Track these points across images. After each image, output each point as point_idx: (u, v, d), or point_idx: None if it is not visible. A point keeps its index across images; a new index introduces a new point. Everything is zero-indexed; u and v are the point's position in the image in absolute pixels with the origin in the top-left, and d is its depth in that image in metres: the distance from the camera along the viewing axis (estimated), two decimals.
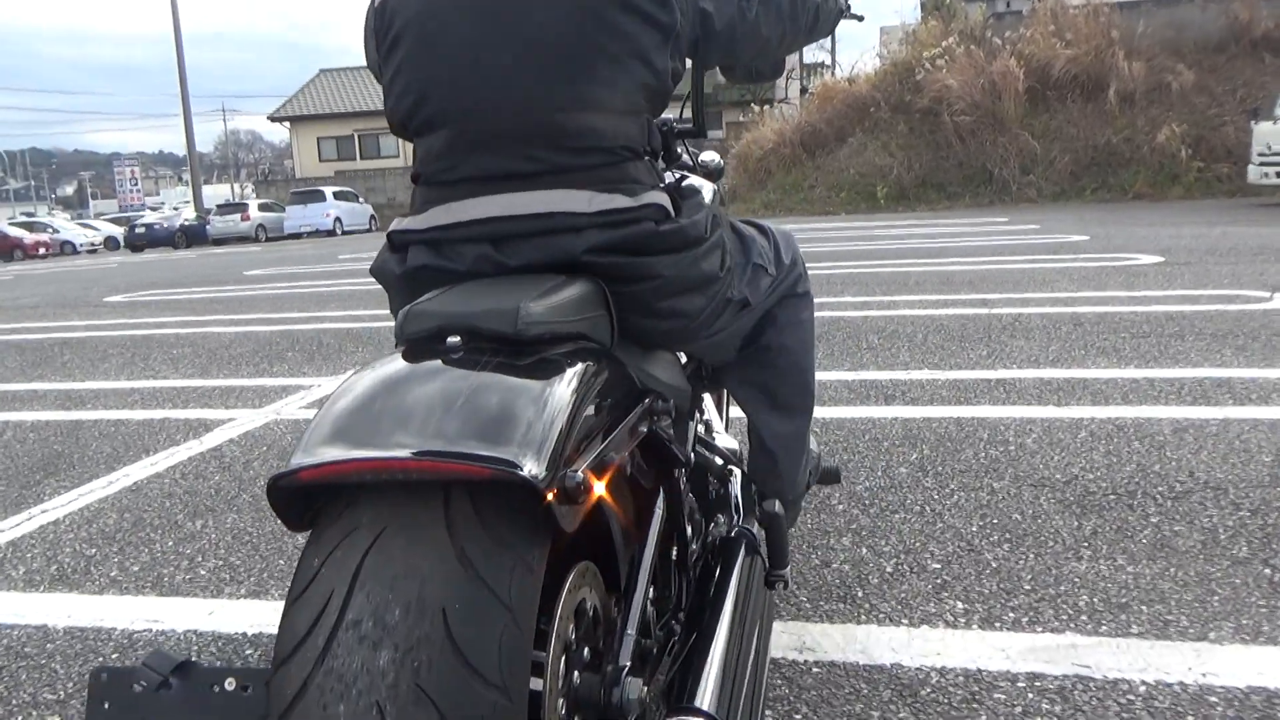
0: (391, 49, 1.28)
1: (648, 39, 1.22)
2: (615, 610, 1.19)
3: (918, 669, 1.76)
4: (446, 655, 0.81)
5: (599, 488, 0.95)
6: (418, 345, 1.05)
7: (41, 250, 28.27)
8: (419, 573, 0.85)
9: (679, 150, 2.13)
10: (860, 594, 2.07)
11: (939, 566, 2.19)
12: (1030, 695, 1.65)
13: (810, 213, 18.86)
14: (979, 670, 1.74)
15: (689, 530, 1.46)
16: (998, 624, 1.91)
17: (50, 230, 30.90)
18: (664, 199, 1.27)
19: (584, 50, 1.19)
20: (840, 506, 2.60)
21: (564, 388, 0.98)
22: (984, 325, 5.17)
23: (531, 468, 0.87)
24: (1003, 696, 1.65)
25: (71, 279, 14.95)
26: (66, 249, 29.46)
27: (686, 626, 1.20)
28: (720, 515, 1.59)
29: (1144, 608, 1.94)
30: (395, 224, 1.31)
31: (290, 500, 0.92)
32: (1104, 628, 1.87)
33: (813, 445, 2.03)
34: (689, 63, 1.45)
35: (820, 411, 3.52)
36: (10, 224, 31.73)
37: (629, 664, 1.10)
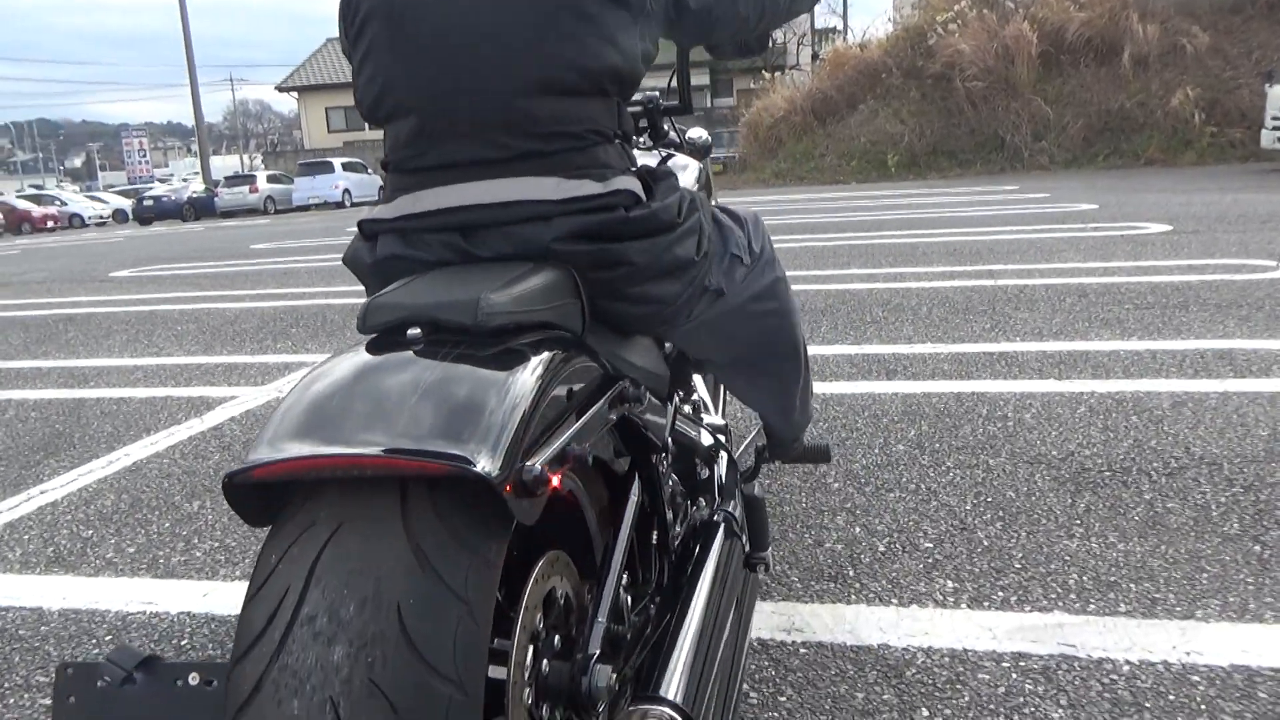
0: (359, 34, 1.26)
1: (614, 20, 1.20)
2: (589, 597, 1.19)
3: (904, 649, 1.76)
4: (401, 650, 0.82)
5: (562, 479, 0.94)
6: (379, 338, 1.04)
7: (50, 223, 28.28)
8: (374, 568, 0.85)
9: (666, 128, 2.11)
10: (851, 573, 2.07)
11: (931, 545, 2.19)
12: (1014, 675, 1.65)
13: (821, 181, 18.73)
14: (965, 650, 1.74)
15: (670, 514, 1.46)
16: (986, 603, 1.91)
17: (58, 203, 30.93)
18: (634, 184, 1.26)
19: (549, 34, 1.17)
20: (836, 485, 2.59)
21: (525, 378, 0.97)
22: (989, 297, 5.13)
23: (486, 463, 0.87)
24: (986, 677, 1.65)
25: (78, 253, 14.99)
26: (75, 222, 29.48)
27: (659, 612, 1.20)
28: (703, 498, 1.58)
29: (1132, 585, 1.93)
30: (366, 212, 1.30)
31: (248, 496, 0.92)
32: (1092, 606, 1.87)
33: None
34: (665, 43, 1.43)
35: (821, 387, 3.52)
36: (18, 197, 31.77)
37: (598, 651, 1.10)
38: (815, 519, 2.37)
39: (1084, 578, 1.99)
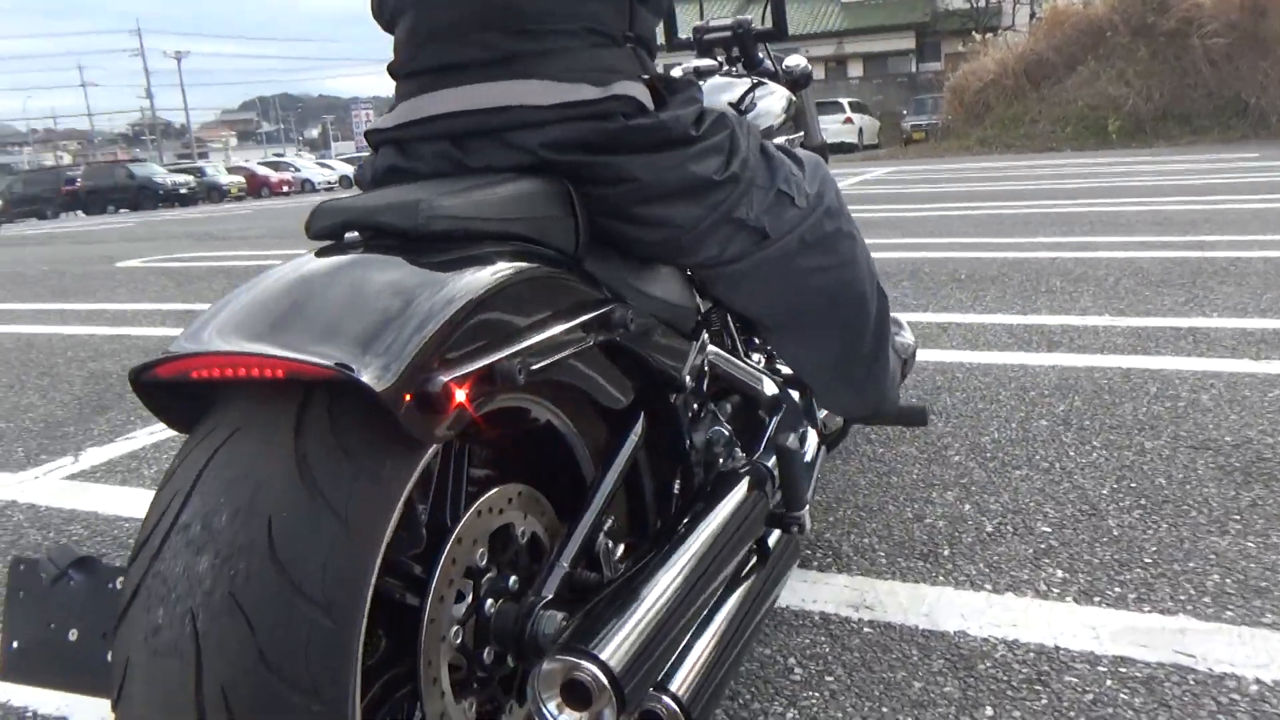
0: None
1: None
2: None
3: (984, 640, 1.55)
4: (265, 565, 0.75)
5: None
6: (324, 245, 0.98)
7: (284, 188, 30.94)
8: (255, 477, 0.79)
9: (760, 55, 1.95)
10: (946, 553, 1.86)
11: (1048, 530, 1.93)
12: (1109, 682, 1.42)
13: (1031, 149, 17.50)
14: (1056, 648, 1.52)
15: (694, 461, 1.33)
16: (1097, 598, 1.66)
17: (293, 169, 33.71)
18: (639, 90, 1.13)
19: None
20: (956, 458, 2.35)
21: (454, 286, 0.88)
22: (1191, 270, 4.57)
23: (374, 370, 0.78)
24: (1074, 680, 1.43)
25: (298, 212, 16.21)
26: (306, 187, 32.01)
27: (640, 565, 1.08)
28: (737, 449, 1.44)
29: None
30: (371, 122, 1.24)
31: (165, 397, 0.88)
32: (1229, 613, 1.59)
33: (898, 348, 1.83)
34: None
35: (966, 356, 3.24)
36: (260, 164, 34.93)
37: (550, 597, 1.00)
38: (922, 492, 2.16)
39: (1227, 580, 1.69)
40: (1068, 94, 18.40)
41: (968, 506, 2.07)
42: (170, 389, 0.87)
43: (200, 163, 39.41)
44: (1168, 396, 2.72)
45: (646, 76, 1.17)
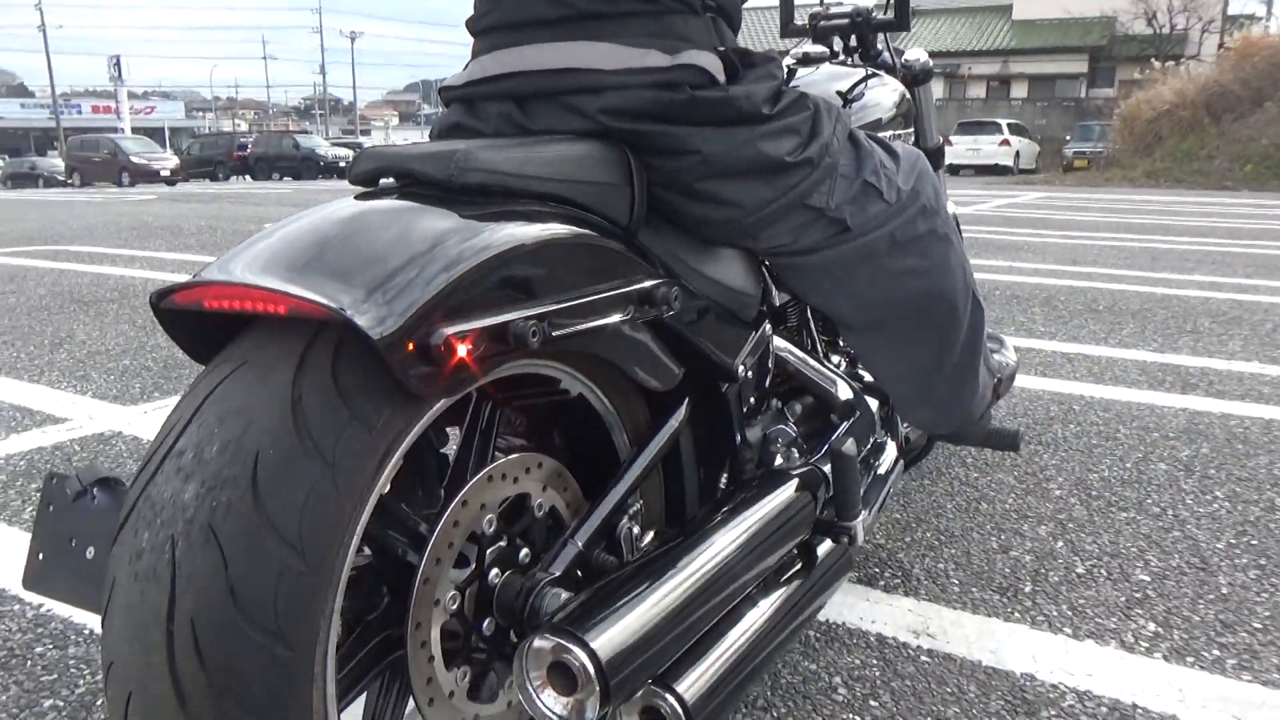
0: None
1: None
2: None
3: (1053, 686, 1.43)
4: (245, 500, 0.74)
5: (472, 354, 0.81)
6: (364, 190, 0.97)
7: None
8: (250, 411, 0.78)
9: (879, 46, 1.86)
10: (1028, 589, 1.73)
11: (1147, 579, 1.77)
12: None
13: (1203, 186, 16.41)
14: (1133, 705, 1.38)
15: (745, 455, 1.27)
16: (1191, 659, 1.50)
17: None
18: (710, 61, 1.07)
19: None
20: (1057, 493, 2.19)
21: (475, 239, 0.85)
22: None
23: (375, 315, 0.76)
24: None
25: None
26: None
27: (655, 552, 1.03)
28: (796, 451, 1.37)
29: None
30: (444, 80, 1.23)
31: (187, 326, 0.88)
32: None
33: (993, 366, 1.72)
34: None
35: (1088, 389, 3.03)
36: None
37: (558, 574, 0.96)
38: (1013, 523, 2.02)
39: None
40: (1251, 130, 17.17)
41: (1060, 544, 1.92)
42: (193, 318, 0.87)
43: (361, 139, 41.29)
44: None
45: (722, 49, 1.12)
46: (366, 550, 0.93)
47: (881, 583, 1.75)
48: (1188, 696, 1.40)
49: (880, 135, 1.46)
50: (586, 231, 0.98)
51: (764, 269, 1.40)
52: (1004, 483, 2.25)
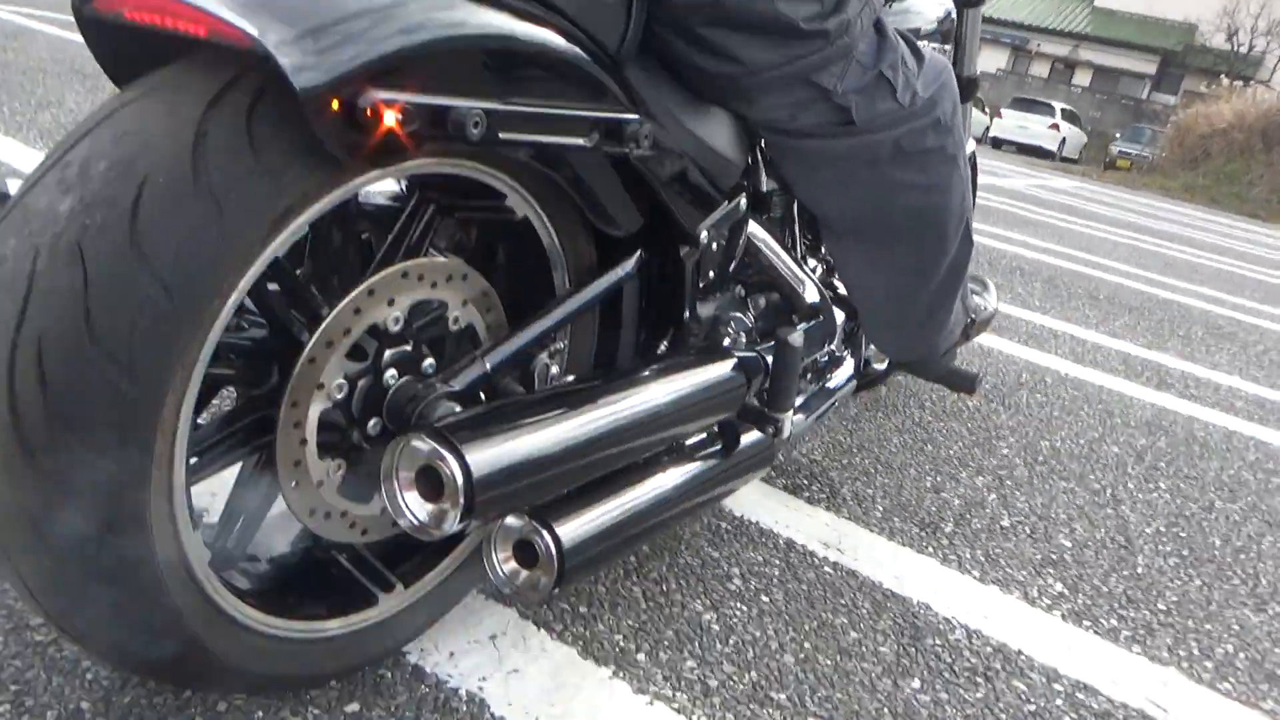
0: None
1: None
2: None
3: (945, 619, 1.42)
4: (121, 225, 0.70)
5: (403, 124, 0.76)
6: None
7: None
8: (148, 136, 0.73)
9: None
10: (949, 529, 1.72)
11: (1068, 545, 1.76)
12: (1059, 702, 1.28)
13: (1238, 211, 16.17)
14: (1019, 651, 1.38)
15: (688, 327, 1.23)
16: (1088, 623, 1.50)
17: None
18: None
19: None
20: (1005, 451, 2.17)
21: (445, 15, 0.79)
22: None
23: (304, 60, 0.70)
24: (1022, 687, 1.29)
25: None
26: None
27: (564, 389, 1.00)
28: (744, 337, 1.33)
29: None
30: None
31: (111, 44, 0.83)
32: (1225, 685, 1.41)
33: (970, 306, 1.68)
34: None
35: (1065, 366, 3.00)
36: None
37: (457, 389, 0.93)
38: (952, 468, 2.00)
39: (1241, 654, 1.50)
40: None
41: (993, 496, 1.91)
42: (117, 34, 0.81)
43: None
44: (1264, 469, 2.45)
45: None
46: (259, 323, 0.89)
47: (806, 494, 1.74)
48: (1074, 654, 1.40)
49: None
50: (565, 44, 0.91)
51: (759, 151, 1.35)
52: (956, 431, 2.23)
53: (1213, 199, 17.08)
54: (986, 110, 22.04)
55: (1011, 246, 5.46)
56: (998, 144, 21.79)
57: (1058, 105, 23.61)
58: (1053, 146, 22.38)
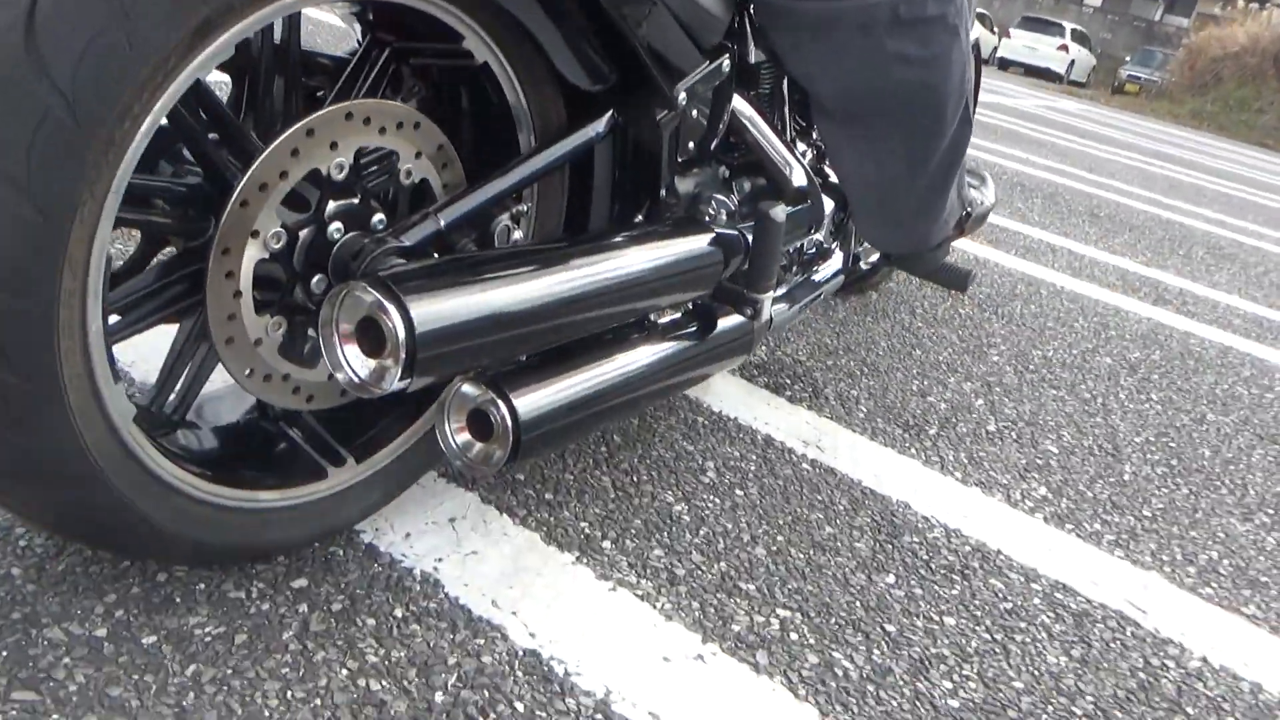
0: None
1: None
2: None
3: (924, 518, 1.38)
4: (16, 26, 0.61)
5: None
6: None
7: None
8: None
9: None
10: (933, 432, 1.67)
11: (1054, 451, 1.72)
12: (1037, 600, 1.24)
13: (1245, 139, 15.90)
14: (998, 551, 1.34)
15: (662, 199, 1.15)
16: (1070, 526, 1.46)
17: None
18: None
19: None
20: (995, 358, 2.12)
21: None
22: None
23: None
24: (999, 585, 1.26)
25: None
26: None
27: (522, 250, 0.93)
28: (725, 213, 1.25)
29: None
30: None
31: None
32: (1207, 590, 1.38)
33: (967, 199, 1.61)
34: None
35: (1062, 279, 2.94)
36: None
37: (408, 245, 0.86)
38: (940, 374, 1.95)
39: (1225, 561, 1.47)
40: None
41: (980, 402, 1.86)
42: None
43: None
44: (1259, 384, 2.41)
45: None
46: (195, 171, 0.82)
47: (788, 393, 1.68)
48: (1054, 555, 1.37)
49: None
50: None
51: (747, 17, 1.26)
52: (946, 338, 2.17)
53: (1220, 126, 16.79)
54: (995, 30, 21.50)
55: (1013, 163, 5.33)
56: (1004, 65, 21.28)
57: (1068, 25, 22.99)
58: (1061, 69, 21.86)
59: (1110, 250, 3.62)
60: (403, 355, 0.74)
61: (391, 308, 0.74)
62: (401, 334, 0.74)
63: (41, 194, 0.63)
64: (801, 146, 1.56)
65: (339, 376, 0.76)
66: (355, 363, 0.76)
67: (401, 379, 0.75)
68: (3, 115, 0.62)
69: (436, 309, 0.77)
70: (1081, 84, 22.61)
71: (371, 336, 0.76)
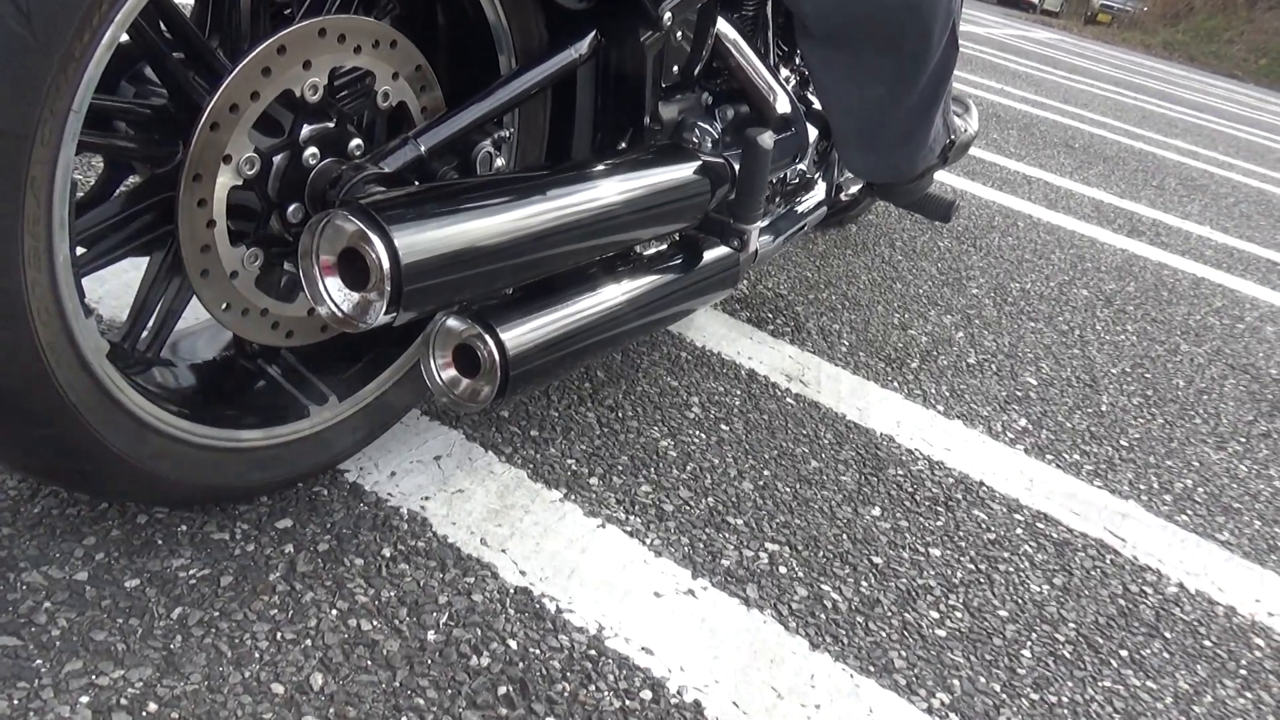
0: None
1: None
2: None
3: (908, 451, 1.38)
4: None
5: None
6: None
7: None
8: None
9: None
10: (915, 365, 1.67)
11: (1034, 383, 1.73)
12: (1019, 531, 1.25)
13: (1215, 70, 15.93)
14: (980, 483, 1.35)
15: (645, 123, 1.12)
16: (1050, 457, 1.47)
17: None
18: None
19: None
20: (974, 291, 2.12)
21: None
22: None
23: None
24: (983, 516, 1.27)
25: None
26: None
27: (507, 177, 0.89)
28: (709, 143, 1.22)
29: (1258, 524, 1.43)
30: None
31: None
32: (1183, 518, 1.40)
33: (951, 126, 1.59)
34: None
35: (1038, 211, 2.93)
36: None
37: (387, 171, 0.82)
38: (920, 307, 1.94)
39: (1200, 489, 1.49)
40: (1278, 24, 16.50)
41: (960, 335, 1.86)
42: None
43: None
44: (1230, 315, 2.43)
45: None
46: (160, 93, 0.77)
47: (771, 327, 1.67)
48: (1035, 486, 1.38)
49: None
50: None
51: None
52: (925, 271, 2.16)
53: (1191, 57, 16.80)
54: None
55: (988, 94, 5.29)
56: None
57: None
58: None
59: (1085, 182, 3.62)
60: (388, 287, 0.71)
61: (375, 237, 0.71)
62: (386, 265, 0.71)
63: (6, 120, 0.59)
64: (785, 72, 1.53)
65: (320, 310, 0.73)
66: (338, 296, 0.73)
67: (387, 312, 0.72)
68: None
69: (423, 239, 0.73)
70: (1054, 13, 22.40)
71: (355, 268, 0.73)
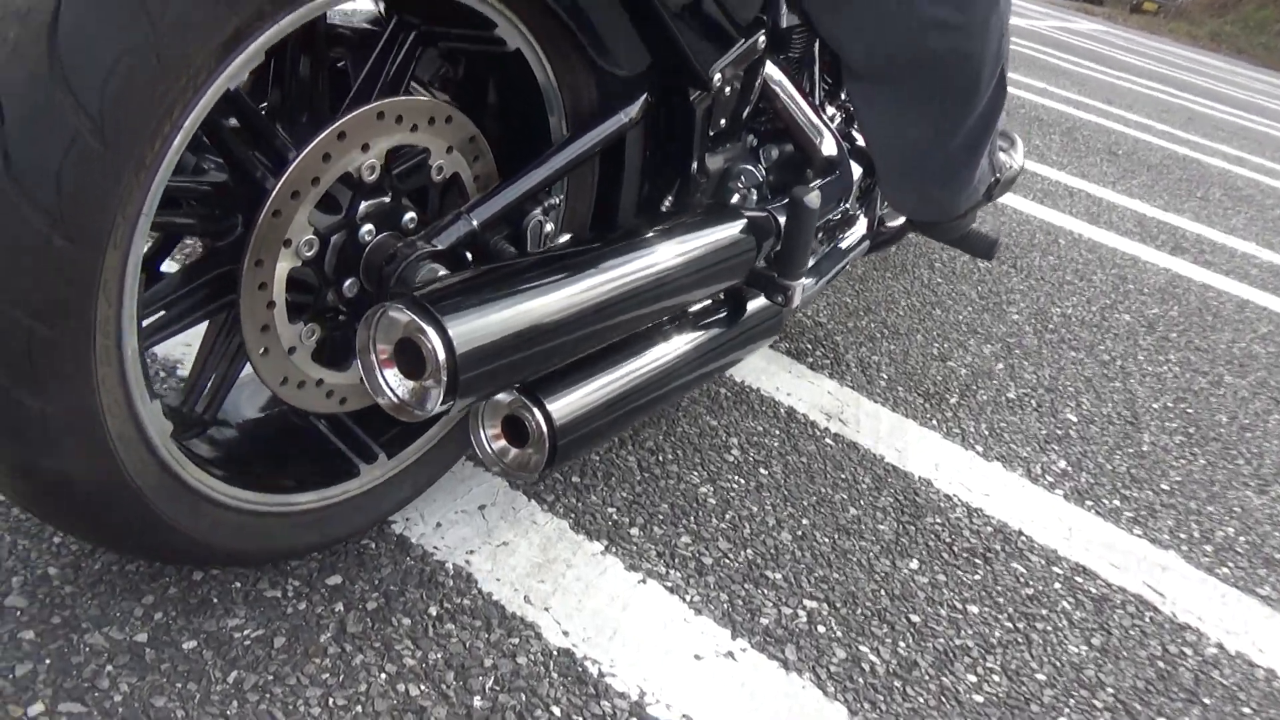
0: None
1: None
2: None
3: (947, 496, 1.38)
4: (39, 45, 0.58)
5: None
6: None
7: None
8: None
9: None
10: (954, 401, 1.67)
11: (1074, 420, 1.71)
12: (1058, 585, 1.25)
13: (1265, 63, 15.58)
14: (1019, 532, 1.34)
15: (693, 179, 1.12)
16: (1089, 503, 1.47)
17: None
18: None
19: None
20: (1014, 317, 2.10)
21: None
22: None
23: None
24: (1021, 570, 1.26)
25: None
26: None
27: (557, 251, 0.90)
28: (755, 193, 1.22)
29: None
30: None
31: None
32: (1224, 570, 1.39)
33: (997, 164, 1.58)
34: None
35: (1079, 226, 2.89)
36: None
37: (441, 249, 0.83)
38: (960, 335, 1.93)
39: (1242, 538, 1.48)
40: None
41: (1000, 366, 1.85)
42: None
43: None
44: (1275, 342, 2.40)
45: None
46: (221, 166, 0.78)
47: (810, 360, 1.67)
48: (1074, 535, 1.37)
49: None
50: None
51: None
52: (965, 295, 2.15)
53: (1239, 49, 16.43)
54: None
55: (1030, 95, 5.22)
56: None
57: None
58: None
59: (1128, 193, 3.56)
60: (444, 377, 0.73)
61: (430, 329, 0.72)
62: (442, 355, 0.72)
63: (75, 222, 0.61)
64: (829, 109, 1.52)
65: (380, 401, 0.75)
66: (396, 386, 0.75)
67: (444, 401, 0.73)
68: (30, 140, 0.59)
69: (476, 326, 0.75)
70: (1098, 2, 21.98)
71: (410, 356, 0.74)
